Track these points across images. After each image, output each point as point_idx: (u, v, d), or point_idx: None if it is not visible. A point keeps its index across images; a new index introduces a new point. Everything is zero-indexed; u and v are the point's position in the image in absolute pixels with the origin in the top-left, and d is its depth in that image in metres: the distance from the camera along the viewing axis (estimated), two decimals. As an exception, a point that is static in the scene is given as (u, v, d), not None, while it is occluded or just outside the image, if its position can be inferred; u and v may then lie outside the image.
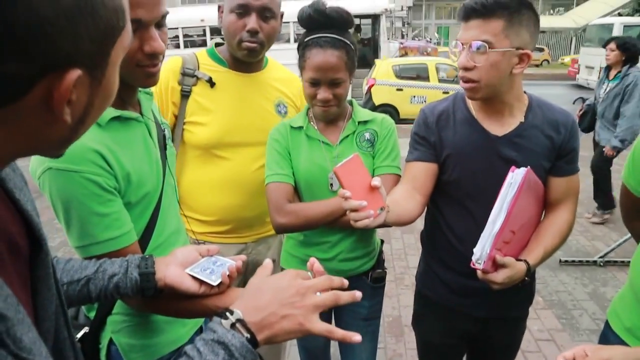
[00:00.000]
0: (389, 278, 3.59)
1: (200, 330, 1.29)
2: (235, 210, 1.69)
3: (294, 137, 1.56)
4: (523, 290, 1.47)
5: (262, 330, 0.70)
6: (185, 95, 1.63)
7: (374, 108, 9.80)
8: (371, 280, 1.68)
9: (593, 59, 13.27)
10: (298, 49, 1.51)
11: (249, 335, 0.68)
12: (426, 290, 1.63)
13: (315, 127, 1.57)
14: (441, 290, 1.56)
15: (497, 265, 1.25)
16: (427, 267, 1.62)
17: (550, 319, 3.10)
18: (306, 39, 1.47)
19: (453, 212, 1.48)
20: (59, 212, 0.97)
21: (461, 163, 1.42)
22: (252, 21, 1.53)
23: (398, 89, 9.89)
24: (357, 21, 13.72)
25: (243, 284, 1.83)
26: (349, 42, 1.46)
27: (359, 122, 1.57)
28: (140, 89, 1.13)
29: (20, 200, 0.64)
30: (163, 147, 1.19)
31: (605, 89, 4.51)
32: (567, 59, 22.97)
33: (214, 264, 0.96)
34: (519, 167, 1.28)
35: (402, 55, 14.67)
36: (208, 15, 11.81)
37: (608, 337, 1.34)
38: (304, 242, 1.63)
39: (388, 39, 14.49)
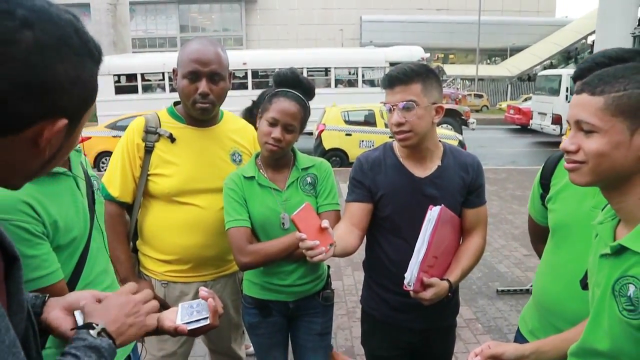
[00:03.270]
0: (341, 312, 3.82)
1: (128, 358, 1.44)
2: (196, 250, 1.87)
3: (247, 186, 1.80)
4: (450, 304, 1.77)
5: (118, 337, 0.90)
6: (148, 150, 1.83)
7: (324, 152, 10.20)
8: (322, 299, 1.93)
9: (544, 106, 14.40)
10: (266, 98, 1.79)
11: (112, 340, 0.88)
12: (371, 310, 1.87)
13: (265, 176, 1.81)
14: (384, 309, 1.80)
15: (425, 285, 1.53)
16: (370, 290, 1.86)
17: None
18: (277, 91, 1.78)
19: (388, 242, 1.74)
20: None
21: (393, 201, 1.71)
22: (202, 85, 1.75)
23: (347, 134, 10.36)
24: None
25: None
26: (307, 105, 1.80)
27: (302, 169, 1.84)
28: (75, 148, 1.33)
29: None
30: (92, 198, 1.37)
31: None
32: (504, 105, 24.61)
33: None
34: (439, 203, 1.59)
35: None
36: (169, 61, 12.12)
37: (518, 339, 1.63)
38: (263, 272, 1.84)
39: None
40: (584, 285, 1.15)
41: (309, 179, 1.85)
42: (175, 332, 1.08)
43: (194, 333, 1.11)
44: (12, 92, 0.63)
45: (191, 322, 1.10)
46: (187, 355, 2.04)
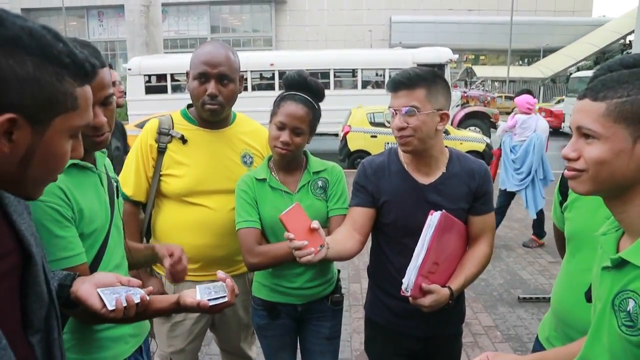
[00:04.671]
0: (358, 315, 3.80)
1: (140, 349, 1.50)
2: (206, 250, 1.90)
3: (259, 188, 1.81)
4: (455, 311, 1.74)
5: None
6: (161, 151, 1.88)
7: (349, 154, 10.19)
8: (331, 303, 1.92)
9: None
10: (275, 102, 1.81)
11: None
12: (374, 316, 1.85)
13: (277, 178, 1.83)
14: (386, 315, 1.79)
15: (424, 292, 1.51)
16: (374, 296, 1.85)
17: (507, 351, 3.29)
18: (285, 94, 1.79)
19: (391, 248, 1.73)
20: None
21: (396, 208, 1.69)
22: (211, 87, 1.79)
23: (372, 136, 10.30)
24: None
25: (212, 319, 2.02)
26: (316, 107, 1.79)
27: (313, 173, 1.84)
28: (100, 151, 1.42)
29: (16, 221, 0.88)
30: (113, 197, 1.45)
31: None
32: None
33: (126, 291, 1.11)
34: (443, 209, 1.56)
35: (463, 104, 14.73)
36: None
37: (536, 346, 1.61)
38: (272, 274, 1.86)
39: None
40: (589, 297, 1.12)
41: (320, 183, 1.85)
42: (197, 307, 1.19)
43: (214, 309, 1.22)
44: None
45: (211, 299, 1.20)
46: (196, 352, 2.07)
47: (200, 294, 1.21)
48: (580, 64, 34.48)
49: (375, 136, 10.28)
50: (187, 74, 1.88)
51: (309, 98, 1.77)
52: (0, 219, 0.85)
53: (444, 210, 1.54)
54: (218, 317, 2.05)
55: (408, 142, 1.61)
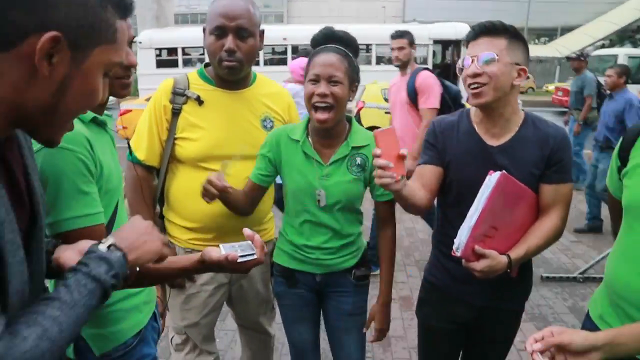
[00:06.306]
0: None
1: (154, 315, 1.45)
2: (221, 219, 1.77)
3: (290, 147, 1.69)
4: (517, 284, 1.62)
5: (130, 252, 0.90)
6: (175, 112, 1.74)
7: (363, 130, 10.00)
8: (355, 278, 1.79)
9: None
10: (306, 64, 1.66)
11: (122, 253, 0.88)
12: (431, 277, 1.78)
13: (312, 145, 1.67)
14: (444, 278, 1.71)
15: (478, 255, 1.41)
16: (435, 258, 1.78)
17: (532, 330, 3.15)
18: (314, 51, 1.64)
19: (454, 210, 1.62)
20: (47, 186, 1.09)
21: (461, 169, 1.59)
22: (229, 41, 1.64)
23: (386, 112, 10.01)
24: (435, 47, 13.82)
25: (229, 292, 1.92)
26: (351, 55, 1.63)
27: (352, 147, 1.67)
28: (105, 112, 1.32)
29: (32, 178, 0.82)
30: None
31: None
32: (551, 87, 23.48)
33: None
34: (510, 173, 1.44)
35: None
36: None
37: (586, 324, 1.47)
38: (292, 241, 1.76)
39: None
40: None
41: (358, 160, 1.68)
42: (226, 262, 1.10)
43: (244, 266, 1.13)
44: (7, 1, 0.68)
45: (240, 255, 1.11)
46: (212, 327, 1.96)
47: (225, 251, 1.12)
48: (598, 42, 33.56)
49: (389, 112, 10.04)
50: (204, 30, 1.72)
51: (340, 47, 1.62)
52: (21, 175, 0.81)
53: (504, 171, 1.41)
54: (235, 291, 1.94)
55: (482, 92, 1.48)
